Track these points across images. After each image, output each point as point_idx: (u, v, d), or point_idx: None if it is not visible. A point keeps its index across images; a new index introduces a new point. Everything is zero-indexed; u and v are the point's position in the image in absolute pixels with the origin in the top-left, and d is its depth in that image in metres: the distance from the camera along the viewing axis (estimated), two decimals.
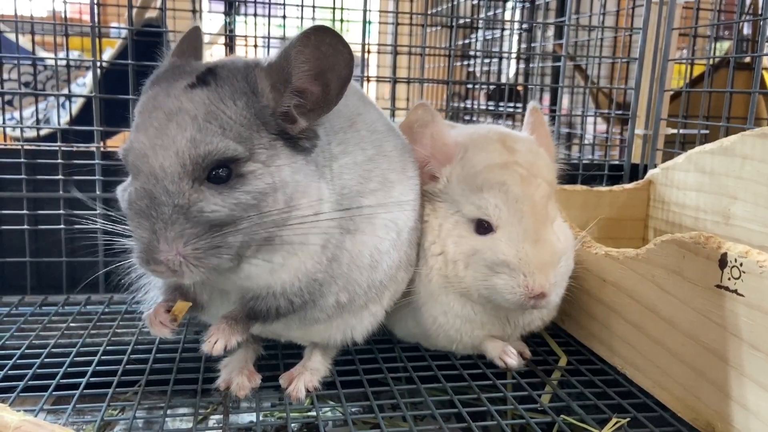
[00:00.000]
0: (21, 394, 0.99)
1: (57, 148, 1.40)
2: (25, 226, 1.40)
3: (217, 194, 0.76)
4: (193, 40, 0.94)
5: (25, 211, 1.40)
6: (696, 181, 1.37)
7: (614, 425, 0.93)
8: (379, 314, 1.03)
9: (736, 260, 0.83)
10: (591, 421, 0.95)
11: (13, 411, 0.81)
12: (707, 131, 1.68)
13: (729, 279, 0.84)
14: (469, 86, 2.80)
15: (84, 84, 2.27)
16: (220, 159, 0.76)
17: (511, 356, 1.07)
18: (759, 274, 0.79)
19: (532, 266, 0.98)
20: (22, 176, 1.40)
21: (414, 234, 1.03)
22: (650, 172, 1.53)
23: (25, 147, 1.40)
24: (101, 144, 1.43)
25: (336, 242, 0.89)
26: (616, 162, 1.72)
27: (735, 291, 0.83)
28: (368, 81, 2.13)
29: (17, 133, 2.20)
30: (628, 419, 0.95)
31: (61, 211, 1.41)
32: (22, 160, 1.40)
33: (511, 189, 1.01)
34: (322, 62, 0.80)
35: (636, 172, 1.66)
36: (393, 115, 1.72)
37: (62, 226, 1.40)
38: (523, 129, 1.19)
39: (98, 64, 1.40)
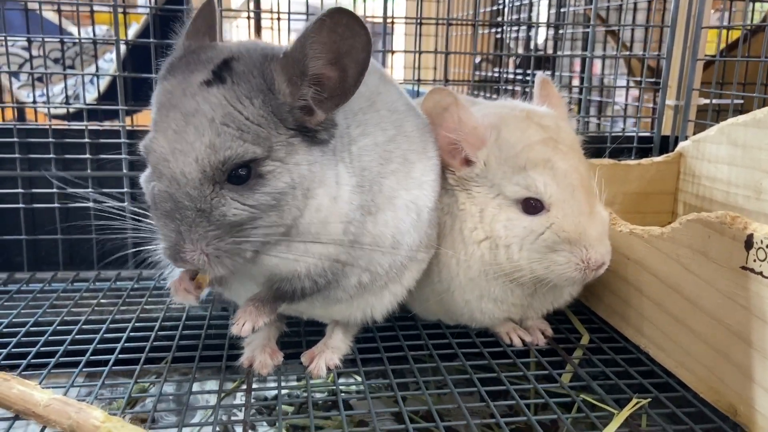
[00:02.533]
0: (53, 370, 1.02)
1: (84, 127, 1.42)
2: (56, 204, 1.43)
3: (237, 196, 0.77)
4: (207, 17, 0.92)
5: (54, 190, 1.43)
6: (728, 154, 1.33)
7: (634, 405, 0.92)
8: (399, 293, 1.03)
9: (762, 242, 0.81)
10: (611, 401, 0.94)
11: (42, 389, 0.85)
12: (742, 101, 1.62)
13: (755, 261, 0.82)
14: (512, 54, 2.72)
15: (112, 60, 2.29)
16: (239, 162, 0.76)
17: (515, 337, 1.14)
18: None
19: (592, 239, 0.99)
20: (51, 155, 1.42)
21: (434, 214, 1.02)
22: (681, 145, 1.49)
23: (53, 126, 1.42)
24: (126, 122, 1.44)
25: (357, 224, 0.89)
26: (646, 134, 1.67)
27: (761, 273, 0.81)
28: (393, 54, 2.11)
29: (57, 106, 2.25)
30: (649, 400, 0.94)
31: (90, 190, 1.43)
32: (51, 139, 1.42)
33: (558, 165, 1.00)
34: (339, 45, 0.78)
35: (666, 145, 1.61)
36: (418, 88, 1.71)
37: (91, 204, 1.43)
38: (534, 101, 1.17)
39: (121, 42, 1.40)
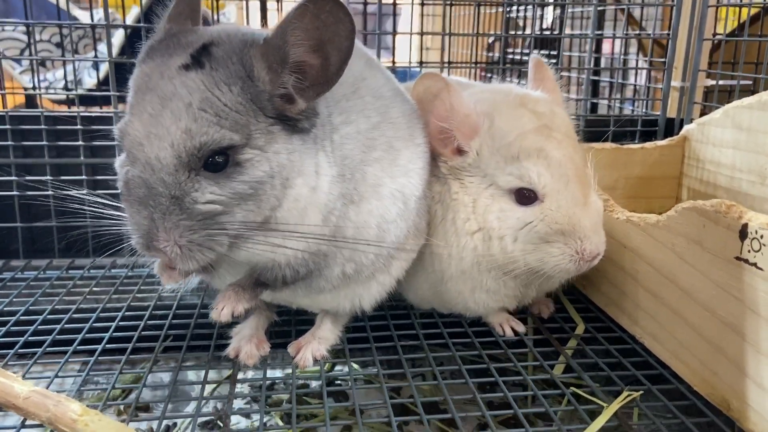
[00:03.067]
0: (41, 359, 1.02)
1: (76, 114, 1.41)
2: (50, 192, 1.43)
3: (213, 183, 0.75)
4: (191, 0, 0.89)
5: (48, 177, 1.42)
6: (733, 137, 1.29)
7: (624, 399, 0.90)
8: (387, 283, 1.01)
9: (756, 232, 0.78)
10: (601, 393, 0.92)
11: (23, 381, 0.84)
12: (751, 82, 1.57)
13: (749, 251, 0.79)
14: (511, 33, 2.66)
15: (113, 45, 2.27)
16: (216, 149, 0.74)
17: (508, 328, 1.12)
18: None
19: (587, 230, 0.97)
20: (44, 143, 1.42)
21: (423, 203, 1.00)
22: (685, 128, 1.45)
23: (45, 113, 1.41)
24: (121, 108, 1.43)
25: (339, 214, 0.87)
26: (651, 116, 1.63)
27: (755, 264, 0.78)
28: (395, 36, 2.07)
29: (48, 95, 2.25)
30: (641, 393, 0.92)
31: (84, 177, 1.43)
32: (43, 126, 1.41)
33: (551, 154, 0.98)
34: (321, 32, 0.76)
35: (672, 127, 1.57)
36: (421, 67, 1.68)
37: (85, 191, 1.42)
38: (528, 84, 1.14)
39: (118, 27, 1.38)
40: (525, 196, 0.98)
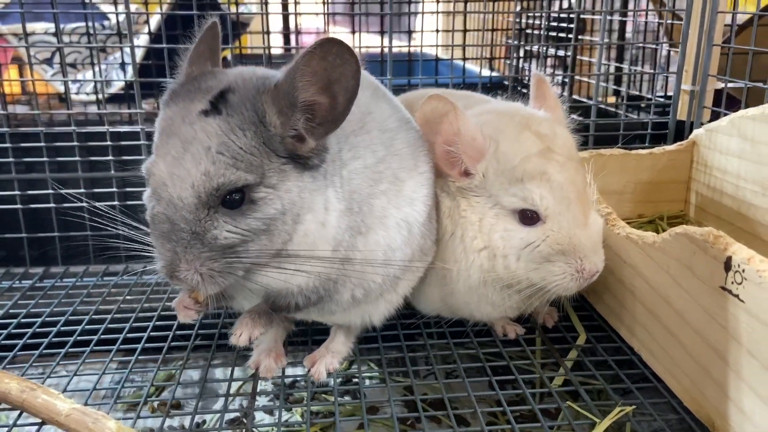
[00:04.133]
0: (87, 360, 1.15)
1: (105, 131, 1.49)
2: (84, 203, 1.52)
3: (231, 220, 0.82)
4: (210, 41, 0.95)
5: (82, 190, 1.51)
6: (738, 147, 1.31)
7: (617, 414, 0.96)
8: (395, 301, 1.08)
9: (739, 266, 0.82)
10: (595, 409, 0.98)
11: (65, 398, 0.93)
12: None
13: (732, 283, 0.83)
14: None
15: (138, 46, 2.34)
16: (232, 188, 0.81)
17: (510, 331, 1.21)
18: (758, 284, 0.78)
19: (587, 249, 1.01)
20: (77, 158, 1.51)
21: (427, 225, 1.05)
22: (694, 133, 1.47)
23: (77, 131, 1.50)
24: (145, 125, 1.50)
25: (347, 245, 0.93)
26: (662, 119, 1.65)
27: (737, 296, 0.82)
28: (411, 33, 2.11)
29: (81, 97, 2.34)
30: (633, 407, 0.97)
31: (114, 189, 1.51)
32: (75, 143, 1.50)
33: (554, 177, 1.02)
34: (329, 73, 0.81)
35: (682, 131, 1.59)
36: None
37: (116, 202, 1.51)
38: (530, 102, 1.18)
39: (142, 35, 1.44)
40: (528, 217, 1.03)
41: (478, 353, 1.12)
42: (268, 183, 0.83)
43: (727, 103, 1.50)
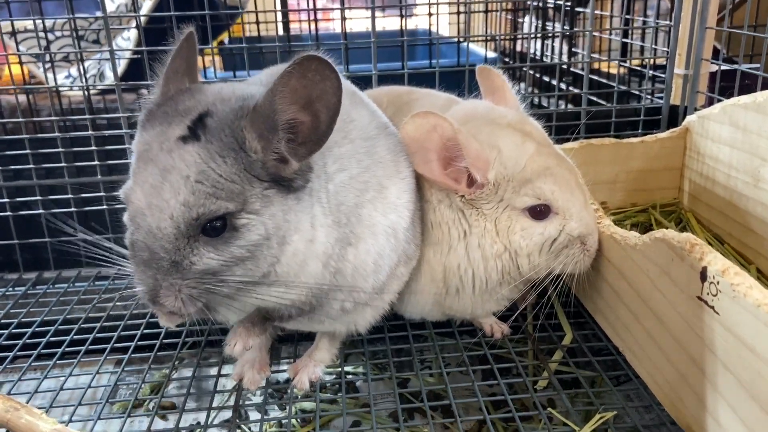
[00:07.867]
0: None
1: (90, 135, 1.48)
2: (73, 209, 1.53)
3: (212, 249, 0.80)
4: (186, 56, 0.92)
5: (70, 196, 1.52)
6: (730, 135, 1.28)
7: (597, 421, 0.95)
8: (380, 307, 1.07)
9: (714, 277, 0.80)
10: (575, 414, 0.98)
11: (46, 418, 0.95)
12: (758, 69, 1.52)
13: (708, 294, 0.82)
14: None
15: (129, 38, 2.32)
16: (212, 218, 0.79)
17: (497, 331, 1.24)
18: (732, 297, 0.77)
19: (592, 227, 1.07)
20: (63, 164, 1.51)
21: (411, 231, 1.04)
22: (687, 119, 1.43)
23: (60, 137, 1.50)
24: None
25: (337, 258, 0.91)
26: (654, 105, 1.60)
27: (713, 308, 0.81)
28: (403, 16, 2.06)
29: (73, 91, 2.32)
30: (615, 413, 0.97)
31: (102, 194, 1.51)
32: (60, 149, 1.50)
33: (555, 170, 1.06)
34: (309, 90, 0.79)
35: (676, 116, 1.55)
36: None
37: (105, 206, 1.52)
38: (483, 96, 1.19)
39: (116, 54, 1.43)
40: (539, 212, 1.05)
41: (463, 356, 1.12)
42: (250, 209, 0.81)
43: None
